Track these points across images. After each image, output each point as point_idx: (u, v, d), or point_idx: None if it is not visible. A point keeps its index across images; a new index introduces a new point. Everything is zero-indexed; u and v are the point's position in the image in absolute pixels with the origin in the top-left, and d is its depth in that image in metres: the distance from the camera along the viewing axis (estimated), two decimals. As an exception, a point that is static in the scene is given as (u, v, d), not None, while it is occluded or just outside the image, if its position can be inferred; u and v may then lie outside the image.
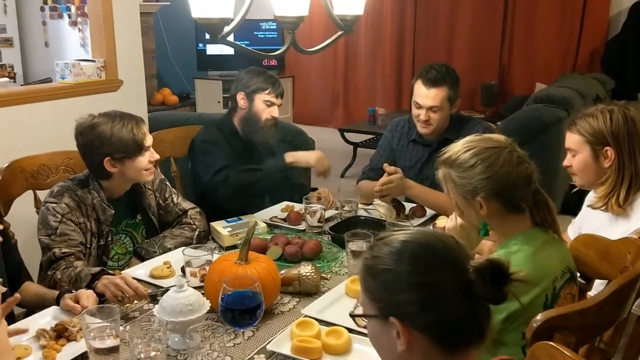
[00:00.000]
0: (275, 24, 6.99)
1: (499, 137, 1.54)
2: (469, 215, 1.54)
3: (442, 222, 2.21)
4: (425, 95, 2.46)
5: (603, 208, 1.87)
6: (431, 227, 2.24)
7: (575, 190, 2.04)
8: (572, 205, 2.24)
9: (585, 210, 2.04)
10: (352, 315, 1.38)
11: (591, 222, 1.95)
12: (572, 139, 1.93)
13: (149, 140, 2.02)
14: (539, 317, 1.24)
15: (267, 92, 2.47)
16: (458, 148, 1.51)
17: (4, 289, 1.68)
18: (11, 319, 1.71)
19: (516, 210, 1.49)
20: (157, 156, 2.06)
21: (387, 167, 2.39)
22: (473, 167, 1.46)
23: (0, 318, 1.23)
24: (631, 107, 1.91)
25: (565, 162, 1.97)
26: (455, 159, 1.49)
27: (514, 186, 1.46)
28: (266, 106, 2.48)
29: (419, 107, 2.48)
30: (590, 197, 2.00)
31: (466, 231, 1.61)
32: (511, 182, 1.46)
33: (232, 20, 1.63)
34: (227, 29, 1.62)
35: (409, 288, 0.95)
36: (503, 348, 1.39)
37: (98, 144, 1.94)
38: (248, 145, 2.52)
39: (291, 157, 2.38)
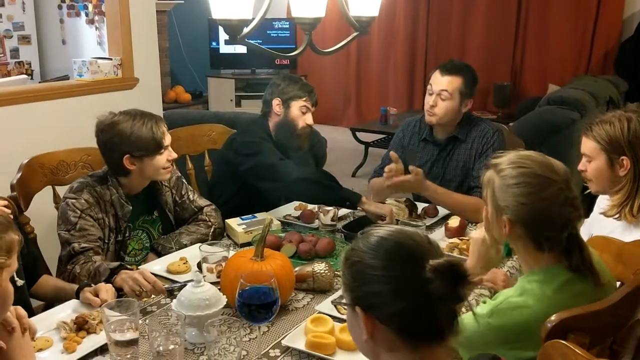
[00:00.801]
0: (288, 23, 7.01)
1: (559, 167, 1.43)
2: (494, 229, 1.49)
3: (454, 222, 2.22)
4: (438, 80, 2.50)
5: (617, 217, 1.85)
6: (443, 227, 2.25)
7: (587, 191, 2.04)
8: (584, 206, 2.23)
9: (596, 214, 2.03)
10: (334, 303, 1.44)
11: (602, 227, 1.93)
12: (587, 145, 1.90)
13: (167, 139, 2.06)
14: (553, 317, 1.25)
15: (304, 99, 2.50)
16: (512, 159, 1.44)
17: (21, 282, 1.73)
18: (30, 312, 1.74)
19: (539, 248, 1.42)
20: (174, 155, 2.10)
21: (393, 155, 2.40)
22: (515, 185, 1.40)
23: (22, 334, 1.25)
24: None
25: (581, 167, 1.95)
26: (503, 169, 1.43)
27: (545, 225, 1.39)
28: (302, 113, 2.51)
29: (431, 93, 2.52)
30: (602, 204, 1.98)
31: (486, 247, 1.57)
32: (544, 219, 1.39)
33: (250, 20, 1.65)
34: (245, 29, 1.65)
35: (375, 280, 0.99)
36: None
37: (118, 142, 1.98)
38: (281, 150, 2.52)
39: (367, 199, 2.33)
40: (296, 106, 2.50)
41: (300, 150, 2.56)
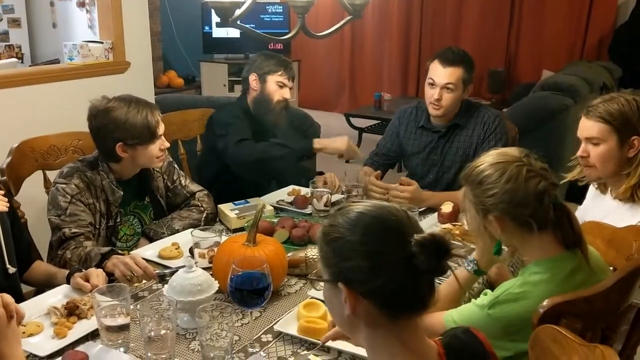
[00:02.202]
0: (281, 7, 6.96)
1: (513, 151, 1.46)
2: (481, 236, 1.51)
3: (447, 207, 2.22)
4: (441, 73, 2.43)
5: (630, 200, 1.78)
6: (436, 213, 2.25)
7: (583, 183, 1.97)
8: (576, 192, 2.21)
9: (589, 202, 2.02)
10: (309, 278, 1.45)
11: (595, 215, 1.89)
12: (595, 128, 1.79)
13: (161, 128, 2.03)
14: (545, 302, 1.25)
15: (279, 73, 2.51)
16: (474, 163, 1.48)
17: (13, 270, 1.71)
18: (20, 298, 1.73)
19: (532, 230, 1.40)
20: (167, 144, 2.08)
21: (403, 180, 2.40)
22: (480, 184, 1.43)
23: (9, 321, 1.19)
24: None
25: (581, 152, 1.85)
26: (469, 175, 1.47)
27: (523, 204, 1.39)
28: (278, 87, 2.51)
29: (434, 85, 2.45)
30: (593, 191, 1.96)
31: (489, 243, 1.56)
32: (518, 199, 1.39)
33: (242, 3, 1.63)
34: (237, 12, 1.63)
35: (357, 256, 1.00)
36: None
37: (112, 129, 1.95)
38: (261, 127, 2.53)
39: (319, 143, 2.35)
40: (272, 80, 2.50)
41: (276, 125, 2.55)
